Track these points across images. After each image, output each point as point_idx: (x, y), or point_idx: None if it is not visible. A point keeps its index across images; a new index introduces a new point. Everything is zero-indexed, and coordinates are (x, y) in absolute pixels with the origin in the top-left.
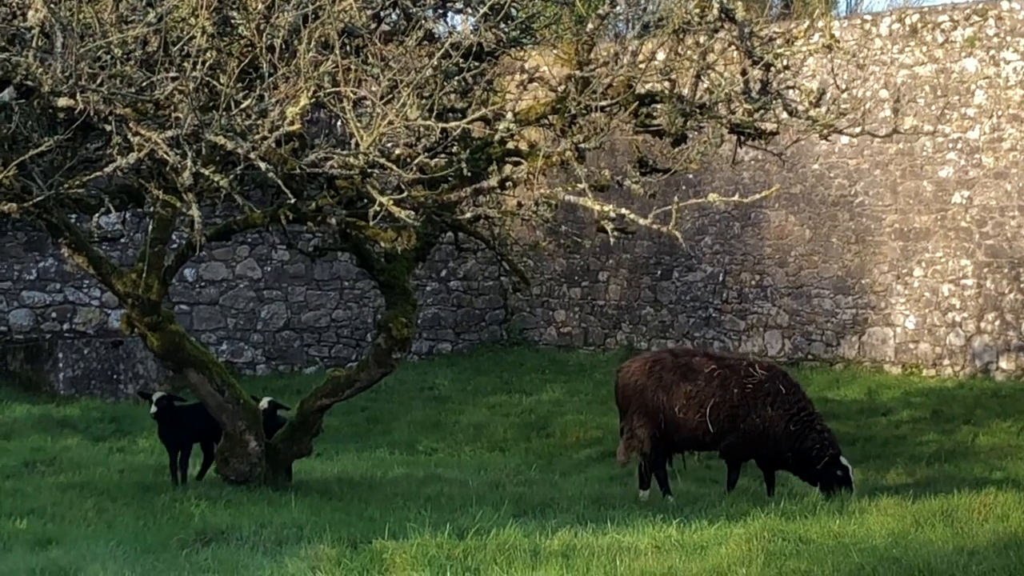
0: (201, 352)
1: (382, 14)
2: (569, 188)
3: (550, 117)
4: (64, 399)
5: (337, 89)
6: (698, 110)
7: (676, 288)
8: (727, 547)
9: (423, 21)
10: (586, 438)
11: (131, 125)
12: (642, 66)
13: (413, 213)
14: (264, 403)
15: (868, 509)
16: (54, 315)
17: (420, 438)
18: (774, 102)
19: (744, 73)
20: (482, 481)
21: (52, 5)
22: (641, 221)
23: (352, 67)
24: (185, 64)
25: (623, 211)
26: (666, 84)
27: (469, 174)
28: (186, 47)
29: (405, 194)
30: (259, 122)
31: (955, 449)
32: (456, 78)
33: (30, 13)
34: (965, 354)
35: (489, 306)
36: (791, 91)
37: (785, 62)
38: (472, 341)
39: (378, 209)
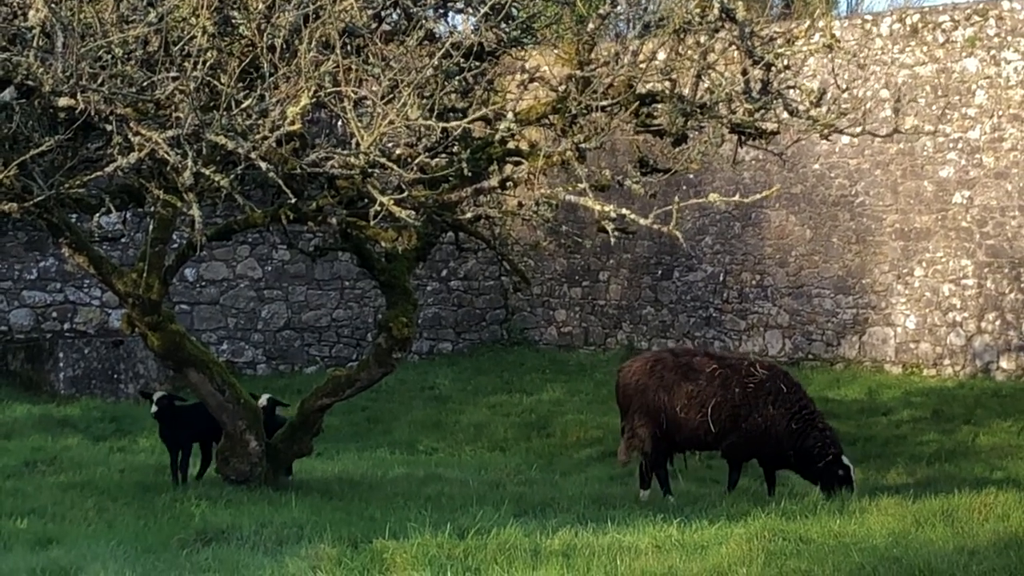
0: (202, 352)
1: (383, 14)
2: (570, 188)
3: (551, 117)
4: (65, 399)
5: (338, 89)
6: (699, 110)
7: (677, 288)
8: (728, 547)
9: (424, 21)
10: (586, 438)
11: (132, 125)
12: (643, 66)
13: (414, 213)
14: (263, 400)
15: (868, 509)
16: (55, 315)
17: (421, 438)
18: (775, 102)
19: (745, 73)
20: (483, 481)
21: (53, 5)
22: (642, 221)
23: (353, 67)
24: (186, 64)
25: (624, 211)
26: (667, 84)
27: (470, 174)
28: (187, 47)
29: (406, 194)
30: (260, 122)
31: (955, 449)
32: (457, 78)
33: (31, 13)
34: (966, 354)
35: (490, 306)
36: (792, 91)
37: (786, 62)
38: (473, 341)
39: (379, 209)
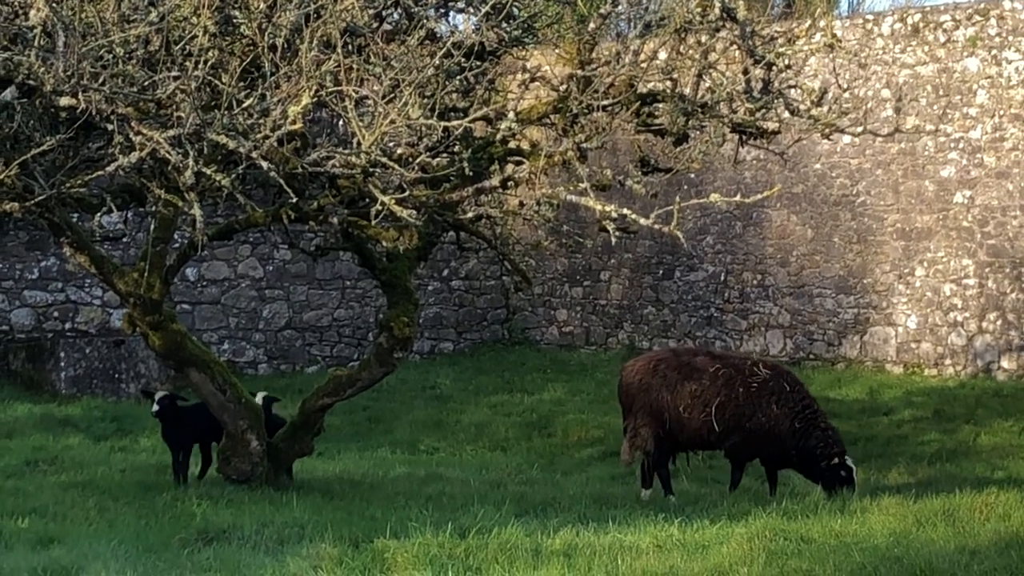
0: (203, 351)
1: (384, 13)
2: (571, 188)
3: (552, 116)
4: (66, 398)
5: (339, 88)
6: (700, 109)
7: (678, 288)
8: (729, 546)
9: (425, 20)
10: (588, 437)
11: (133, 124)
12: (644, 65)
13: (415, 212)
14: (258, 398)
15: (870, 508)
16: (56, 314)
17: (422, 437)
18: (776, 101)
19: (746, 72)
20: (484, 480)
21: (54, 4)
22: (643, 221)
23: (354, 66)
24: (187, 63)
25: (625, 211)
26: (668, 83)
27: (471, 173)
28: (188, 46)
29: (407, 193)
30: (261, 121)
31: (957, 449)
32: (458, 77)
33: (32, 12)
34: (967, 354)
35: (491, 305)
36: (793, 90)
37: (787, 61)
38: (474, 340)
39: (380, 208)
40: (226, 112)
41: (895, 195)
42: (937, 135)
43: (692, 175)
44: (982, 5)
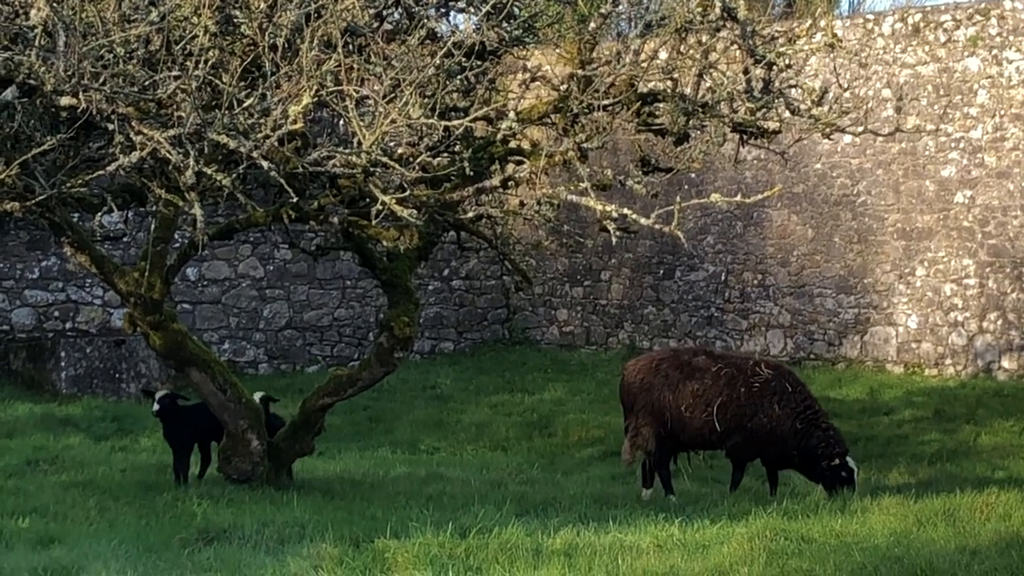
0: (203, 351)
1: (384, 13)
2: (571, 187)
3: (552, 116)
4: (66, 398)
5: (340, 88)
6: (700, 109)
7: (678, 287)
8: (729, 546)
9: (425, 20)
10: (588, 437)
11: (133, 124)
12: (644, 65)
13: (415, 212)
14: (256, 397)
15: (870, 508)
16: (56, 314)
17: (422, 437)
18: (776, 101)
19: (746, 72)
20: (484, 480)
21: (55, 4)
22: (643, 221)
23: (354, 66)
24: (188, 63)
25: (625, 211)
26: (668, 83)
27: (471, 173)
28: (188, 46)
29: (407, 193)
30: (261, 121)
31: (957, 448)
32: (458, 77)
33: (33, 12)
34: (967, 353)
35: (491, 305)
36: (793, 90)
37: (787, 61)
38: (474, 340)
39: (380, 208)
40: (227, 112)
41: (896, 195)
42: (938, 135)
43: (693, 175)
44: (983, 5)
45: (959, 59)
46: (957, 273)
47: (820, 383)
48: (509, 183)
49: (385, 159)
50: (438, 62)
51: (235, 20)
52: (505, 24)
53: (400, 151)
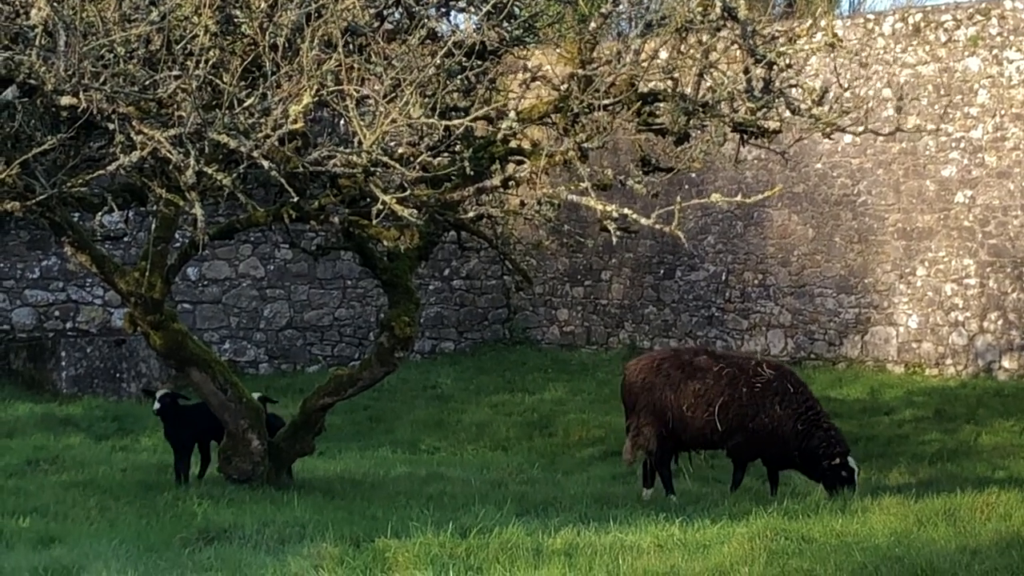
0: (204, 351)
1: (385, 13)
2: (572, 187)
3: (553, 116)
4: (67, 398)
5: (340, 88)
6: (701, 109)
7: (679, 287)
8: (730, 546)
9: (426, 20)
10: (589, 437)
11: (134, 123)
12: (645, 65)
13: (416, 212)
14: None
15: (871, 508)
16: (57, 314)
17: (423, 437)
18: (777, 101)
19: (747, 71)
20: (485, 480)
21: (55, 4)
22: (644, 221)
23: (355, 65)
24: (188, 63)
25: (626, 210)
26: (669, 83)
27: (472, 173)
28: (189, 45)
29: (408, 193)
30: (262, 120)
31: (958, 448)
32: (459, 77)
33: (33, 12)
34: (968, 353)
35: (492, 305)
36: (794, 90)
37: (788, 61)
38: (475, 340)
39: (381, 208)
40: (227, 111)
41: (896, 195)
42: (938, 135)
43: (693, 175)
44: (983, 5)
45: (960, 59)
46: (958, 273)
47: (821, 383)
48: (510, 183)
49: (386, 159)
50: (438, 62)
51: (236, 20)
52: (505, 24)
53: (401, 151)
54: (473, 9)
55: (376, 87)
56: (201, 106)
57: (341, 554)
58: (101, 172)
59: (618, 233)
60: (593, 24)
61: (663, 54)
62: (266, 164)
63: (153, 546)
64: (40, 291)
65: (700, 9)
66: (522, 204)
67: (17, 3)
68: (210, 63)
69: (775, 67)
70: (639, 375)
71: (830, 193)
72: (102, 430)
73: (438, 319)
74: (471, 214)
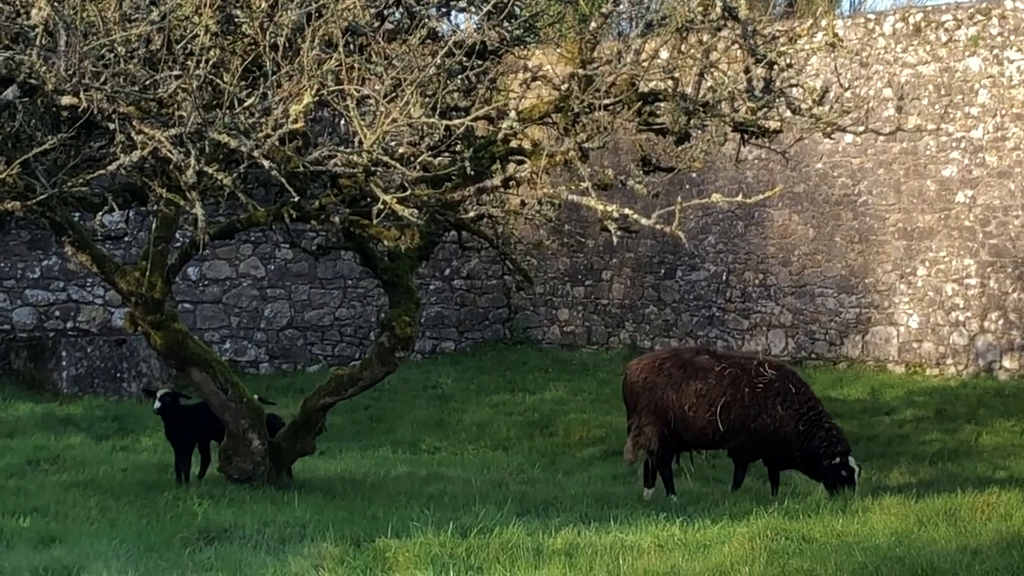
0: (204, 350)
1: (385, 12)
2: (572, 187)
3: (553, 116)
4: (67, 397)
5: (341, 87)
6: (701, 108)
7: (679, 287)
8: (730, 546)
9: (426, 19)
10: (589, 437)
11: (135, 123)
12: (645, 64)
13: (417, 211)
14: None
15: (871, 508)
16: (57, 313)
17: (423, 437)
18: (777, 100)
19: (747, 71)
20: (485, 480)
21: (55, 3)
22: (644, 221)
23: (356, 65)
24: (188, 62)
25: (626, 210)
26: (669, 82)
27: (472, 173)
28: (189, 45)
29: (409, 192)
30: (262, 120)
31: (958, 448)
32: (459, 76)
33: (34, 11)
34: (968, 353)
35: (492, 305)
36: (794, 89)
37: (788, 60)
38: (475, 340)
39: (382, 207)
40: (228, 111)
41: (897, 195)
42: (939, 134)
43: (694, 174)
44: (984, 4)
45: (960, 59)
46: (958, 273)
47: (821, 383)
48: (510, 183)
49: (386, 158)
50: (439, 62)
51: (236, 19)
52: (506, 24)
53: (401, 150)
54: (474, 9)
55: (377, 87)
56: (202, 106)
57: (342, 554)
58: (102, 172)
59: (619, 233)
60: (594, 24)
61: (664, 54)
62: (267, 164)
63: (153, 546)
64: (41, 291)
65: (701, 9)
66: (523, 204)
67: (18, 3)
68: (211, 63)
69: (776, 67)
70: (641, 375)
71: (831, 193)
72: (103, 430)
73: (439, 319)
74: (472, 214)
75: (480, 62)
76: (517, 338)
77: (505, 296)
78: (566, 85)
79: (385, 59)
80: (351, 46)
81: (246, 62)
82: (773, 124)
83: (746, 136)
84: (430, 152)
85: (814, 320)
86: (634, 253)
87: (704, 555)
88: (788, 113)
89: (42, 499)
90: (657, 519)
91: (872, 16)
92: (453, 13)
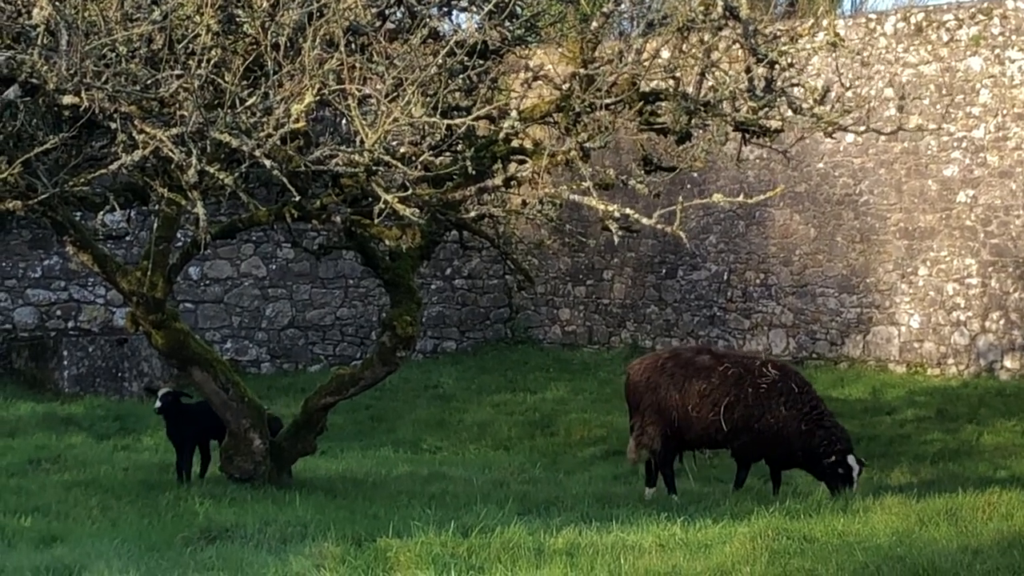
0: (206, 350)
1: (387, 12)
2: (574, 187)
3: (555, 115)
4: (69, 397)
5: (342, 87)
6: (702, 108)
7: (680, 287)
8: (731, 546)
9: (428, 19)
10: (590, 436)
11: (136, 123)
12: (646, 64)
13: (418, 211)
14: None
15: (872, 508)
16: (59, 313)
17: (424, 436)
18: (779, 100)
19: (748, 71)
20: (486, 479)
21: (57, 3)
22: (645, 221)
23: (357, 65)
24: (190, 62)
25: (627, 210)
26: (670, 82)
27: (474, 172)
28: (191, 45)
29: (410, 192)
30: (264, 120)
31: (959, 448)
32: (461, 76)
33: (35, 11)
34: (970, 353)
35: (494, 304)
36: (796, 89)
37: (790, 60)
38: (477, 339)
39: (383, 207)
40: (229, 110)
41: (898, 194)
42: (940, 134)
43: (695, 174)
44: (985, 4)
45: (961, 58)
46: (959, 272)
47: (822, 383)
48: (511, 182)
49: (388, 158)
50: (440, 61)
51: (237, 19)
52: (507, 23)
53: (402, 150)
54: (475, 8)
55: (378, 86)
56: (203, 105)
57: (343, 553)
58: (103, 171)
59: (620, 233)
60: (595, 23)
61: (665, 53)
62: (268, 163)
63: (155, 545)
64: (42, 290)
65: (702, 8)
66: (524, 203)
67: (19, 2)
68: (212, 62)
69: (777, 66)
70: (643, 374)
71: (832, 192)
72: (104, 429)
73: (440, 318)
74: (473, 213)
75: (481, 62)
76: (518, 338)
77: (506, 296)
78: (567, 85)
79: (387, 59)
80: (352, 46)
81: (247, 61)
82: (774, 124)
83: (747, 136)
84: (431, 152)
85: (815, 320)
86: (635, 253)
87: (705, 555)
88: (789, 113)
89: (43, 498)
90: (658, 519)
91: (873, 16)
92: (454, 13)
